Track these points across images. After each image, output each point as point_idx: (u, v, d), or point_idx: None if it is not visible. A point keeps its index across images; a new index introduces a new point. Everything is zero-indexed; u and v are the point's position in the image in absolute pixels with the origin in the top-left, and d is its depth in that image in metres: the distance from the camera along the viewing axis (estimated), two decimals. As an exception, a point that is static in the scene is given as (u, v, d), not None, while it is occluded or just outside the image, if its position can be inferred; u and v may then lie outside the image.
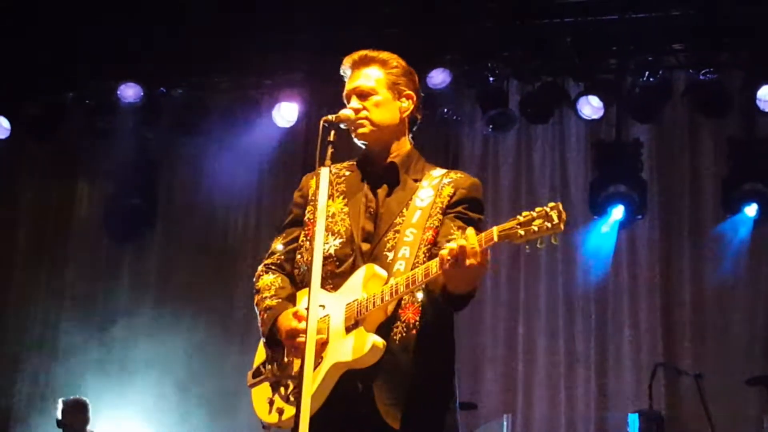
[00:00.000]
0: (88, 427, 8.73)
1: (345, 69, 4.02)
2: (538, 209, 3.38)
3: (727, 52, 8.76)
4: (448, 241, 3.56)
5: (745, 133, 8.93)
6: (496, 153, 9.84)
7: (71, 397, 8.95)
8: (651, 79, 8.68)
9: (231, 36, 9.29)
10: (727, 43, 8.68)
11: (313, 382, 3.42)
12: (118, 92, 9.52)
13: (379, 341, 3.56)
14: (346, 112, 3.79)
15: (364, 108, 3.88)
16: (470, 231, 3.42)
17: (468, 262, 3.34)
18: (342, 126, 3.74)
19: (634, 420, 7.70)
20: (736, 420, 8.44)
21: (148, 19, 9.08)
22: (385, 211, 3.83)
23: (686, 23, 8.66)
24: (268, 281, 3.88)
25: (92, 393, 9.68)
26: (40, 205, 10.70)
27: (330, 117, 3.69)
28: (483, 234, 3.41)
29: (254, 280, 3.96)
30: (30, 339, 10.33)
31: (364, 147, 3.93)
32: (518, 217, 3.40)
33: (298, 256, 3.91)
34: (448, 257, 3.36)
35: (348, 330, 3.62)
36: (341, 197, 3.89)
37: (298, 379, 3.46)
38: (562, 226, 3.31)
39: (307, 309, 3.33)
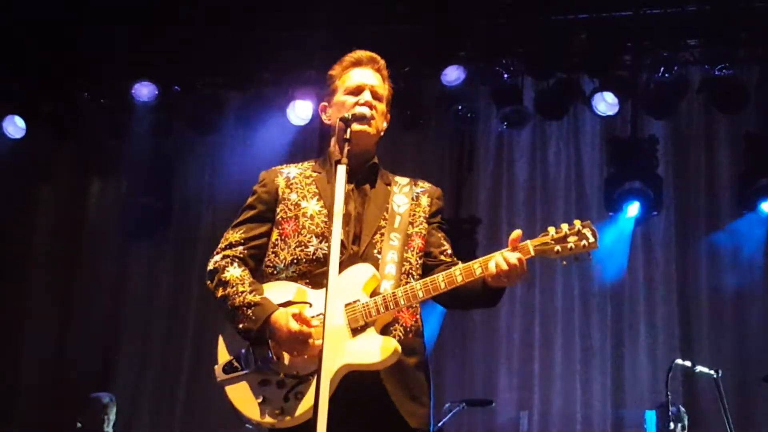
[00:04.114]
0: (106, 427, 8.51)
1: (357, 58, 4.07)
2: (567, 226, 3.62)
3: (743, 47, 8.71)
4: (442, 252, 3.93)
5: (761, 129, 8.88)
6: (510, 150, 9.83)
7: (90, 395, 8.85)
8: (666, 75, 8.65)
9: (245, 34, 9.30)
10: (742, 38, 8.64)
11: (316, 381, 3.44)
12: (133, 91, 9.52)
13: (399, 346, 3.62)
14: (361, 110, 3.83)
15: (375, 108, 3.94)
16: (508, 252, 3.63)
17: (519, 277, 3.63)
18: (356, 124, 3.75)
19: (651, 416, 7.68)
20: (753, 416, 8.42)
21: (162, 18, 9.09)
22: (369, 213, 3.89)
23: (701, 19, 8.62)
24: (238, 275, 3.82)
25: (106, 387, 9.76)
26: (55, 204, 10.74)
27: (347, 114, 3.73)
28: (518, 248, 3.62)
29: (212, 267, 3.89)
30: (47, 333, 10.36)
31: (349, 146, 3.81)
32: (549, 231, 3.63)
33: (273, 255, 3.89)
34: (498, 272, 3.61)
35: (355, 332, 3.65)
36: (315, 198, 3.91)
37: (301, 379, 3.60)
38: (597, 244, 3.57)
39: (324, 313, 3.29)
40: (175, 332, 10.13)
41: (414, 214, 3.95)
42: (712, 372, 7.33)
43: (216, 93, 9.79)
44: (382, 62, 4.09)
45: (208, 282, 3.87)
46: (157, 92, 9.54)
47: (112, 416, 8.59)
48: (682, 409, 7.82)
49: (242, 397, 3.72)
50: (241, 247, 3.91)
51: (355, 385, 3.59)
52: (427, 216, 3.99)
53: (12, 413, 10.05)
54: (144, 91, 9.53)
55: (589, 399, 9.03)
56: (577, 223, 3.62)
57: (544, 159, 9.70)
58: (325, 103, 4.10)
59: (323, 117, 4.10)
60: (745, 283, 8.87)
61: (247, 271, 3.86)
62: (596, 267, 9.05)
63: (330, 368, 3.52)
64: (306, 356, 3.63)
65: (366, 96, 3.94)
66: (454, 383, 9.20)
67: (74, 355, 10.16)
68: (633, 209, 8.89)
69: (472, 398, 8.52)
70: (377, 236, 3.83)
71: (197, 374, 9.75)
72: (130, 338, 10.23)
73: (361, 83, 3.98)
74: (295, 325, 3.60)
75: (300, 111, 9.40)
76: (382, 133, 4.05)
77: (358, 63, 4.05)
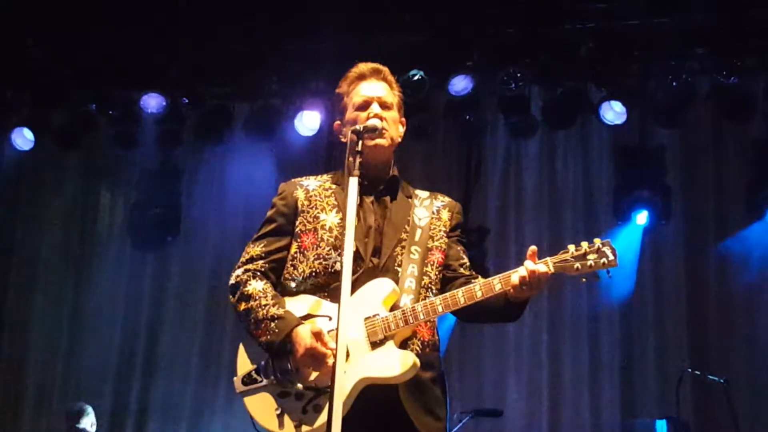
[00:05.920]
0: None
1: (360, 72, 4.08)
2: (587, 243, 3.65)
3: (751, 55, 8.70)
4: (461, 265, 3.94)
5: (769, 137, 8.88)
6: (518, 159, 9.82)
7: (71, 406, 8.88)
8: (674, 84, 8.63)
9: (252, 45, 9.31)
10: (750, 46, 8.62)
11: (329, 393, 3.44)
12: (141, 102, 9.53)
13: (417, 361, 3.65)
14: (372, 122, 3.83)
15: (385, 119, 3.94)
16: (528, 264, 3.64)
17: (541, 284, 3.65)
18: (368, 138, 3.77)
19: (662, 426, 7.66)
20: (764, 425, 8.39)
21: (171, 30, 9.11)
22: (391, 226, 3.91)
23: (709, 28, 8.60)
24: (261, 288, 3.85)
25: (114, 397, 9.78)
26: (64, 215, 10.76)
27: (358, 127, 3.72)
28: (539, 263, 3.64)
29: (234, 281, 3.93)
30: (55, 343, 10.38)
31: (364, 158, 3.71)
32: (569, 249, 3.67)
33: (291, 268, 3.91)
34: (521, 280, 3.62)
35: (374, 345, 3.67)
36: (334, 210, 3.92)
37: (319, 391, 3.61)
38: (617, 262, 3.61)
39: (337, 328, 3.28)
40: (182, 342, 10.14)
41: (434, 228, 3.98)
42: (721, 380, 7.33)
43: (224, 104, 9.80)
44: (386, 70, 4.10)
45: (230, 296, 3.91)
46: (164, 103, 9.55)
47: (84, 425, 8.59)
48: None
49: (261, 408, 3.75)
50: (261, 261, 3.94)
51: (372, 398, 3.60)
52: (448, 230, 4.02)
53: (19, 420, 10.09)
54: (152, 102, 9.55)
55: (599, 408, 9.00)
56: (597, 241, 3.67)
57: (552, 168, 9.69)
58: (339, 122, 4.12)
59: (340, 137, 4.07)
60: (755, 291, 8.84)
61: (269, 285, 3.88)
62: (605, 276, 8.99)
63: (348, 381, 3.57)
64: (321, 372, 3.65)
65: (375, 109, 3.95)
66: (464, 393, 9.18)
67: (82, 364, 10.18)
68: (642, 218, 8.89)
69: (482, 408, 8.51)
70: (398, 249, 3.85)
71: (205, 383, 9.76)
72: (137, 347, 10.24)
73: (368, 97, 4.00)
74: (313, 343, 3.62)
75: (308, 122, 9.39)
76: (399, 139, 4.07)
77: (362, 77, 4.06)
